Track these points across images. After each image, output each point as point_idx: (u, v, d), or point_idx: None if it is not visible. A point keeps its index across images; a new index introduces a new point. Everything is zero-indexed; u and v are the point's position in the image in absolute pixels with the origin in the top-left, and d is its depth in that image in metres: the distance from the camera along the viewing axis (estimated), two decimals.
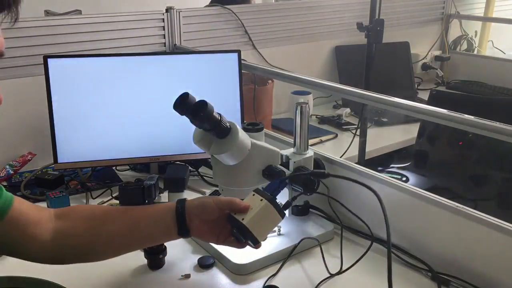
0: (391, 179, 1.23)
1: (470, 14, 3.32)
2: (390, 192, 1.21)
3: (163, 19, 1.98)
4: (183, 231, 0.99)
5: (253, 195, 1.01)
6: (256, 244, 0.99)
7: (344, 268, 1.13)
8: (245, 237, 0.97)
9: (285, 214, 1.01)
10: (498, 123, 1.08)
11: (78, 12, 2.19)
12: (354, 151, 1.99)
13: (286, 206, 1.04)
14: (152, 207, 1.05)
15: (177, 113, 1.04)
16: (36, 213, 0.99)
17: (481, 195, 1.87)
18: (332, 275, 1.11)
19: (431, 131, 2.05)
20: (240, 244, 1.01)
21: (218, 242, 1.02)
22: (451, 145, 2.02)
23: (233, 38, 2.22)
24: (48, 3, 2.37)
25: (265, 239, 1.01)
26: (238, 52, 1.58)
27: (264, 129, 1.22)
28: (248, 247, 1.02)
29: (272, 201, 0.99)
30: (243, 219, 0.97)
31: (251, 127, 1.19)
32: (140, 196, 1.36)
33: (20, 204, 0.96)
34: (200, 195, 1.50)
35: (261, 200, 0.99)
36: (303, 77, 1.57)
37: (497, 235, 1.02)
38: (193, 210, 0.99)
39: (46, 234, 0.97)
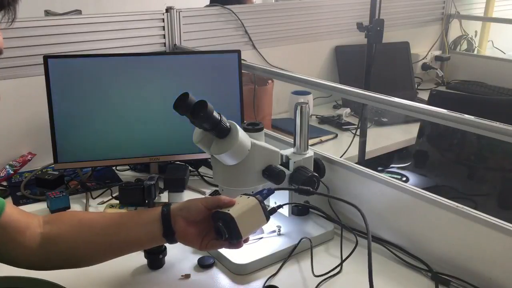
0: (391, 179, 1.23)
1: (470, 14, 3.32)
2: (390, 192, 1.21)
3: (163, 19, 1.97)
4: (168, 233, 0.99)
5: (241, 196, 1.02)
6: (239, 240, 0.98)
7: (333, 269, 1.13)
8: (229, 229, 0.96)
9: (269, 218, 1.02)
10: (498, 123, 1.08)
11: (78, 12, 2.20)
12: (354, 151, 1.99)
13: (272, 211, 1.05)
14: (138, 212, 1.06)
15: (177, 113, 1.04)
16: (25, 219, 0.99)
17: (481, 194, 1.87)
18: (316, 276, 1.11)
19: (431, 131, 2.05)
20: (222, 242, 1.00)
21: (201, 247, 1.02)
22: (451, 145, 2.02)
23: (233, 38, 2.22)
24: (48, 3, 2.37)
25: (247, 239, 1.02)
26: (238, 52, 1.58)
27: (264, 129, 1.22)
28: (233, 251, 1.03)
29: (259, 200, 1.00)
30: (228, 210, 0.98)
31: (251, 127, 1.19)
32: (140, 196, 1.36)
33: (11, 210, 0.97)
34: (200, 195, 1.50)
35: (248, 197, 1.01)
36: (303, 77, 1.57)
37: (497, 235, 1.02)
38: (178, 212, 1.00)
39: (34, 240, 0.98)
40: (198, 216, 1.00)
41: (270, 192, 1.07)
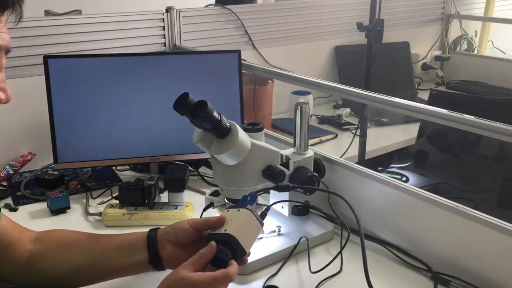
0: (391, 179, 1.23)
1: (470, 14, 3.32)
2: (390, 192, 1.21)
3: (163, 19, 1.97)
4: (154, 258, 0.95)
5: (227, 211, 0.99)
6: (243, 256, 0.93)
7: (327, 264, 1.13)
8: (232, 249, 0.90)
9: (263, 223, 0.98)
10: (498, 123, 1.08)
11: (78, 12, 2.19)
12: (354, 151, 1.99)
13: (263, 215, 1.02)
14: (125, 235, 1.01)
15: (177, 113, 1.04)
16: (18, 233, 0.99)
17: (481, 195, 1.87)
18: (313, 272, 1.11)
19: (431, 131, 2.05)
20: (222, 267, 0.88)
21: None
22: (451, 145, 2.02)
23: (233, 38, 2.22)
24: (48, 3, 2.36)
25: (249, 254, 0.96)
26: (238, 52, 1.58)
27: (264, 129, 1.22)
28: None
29: (250, 210, 0.96)
30: (225, 230, 0.92)
31: (251, 127, 1.19)
32: (140, 196, 1.36)
33: (6, 222, 0.97)
34: (200, 195, 1.50)
35: (239, 210, 0.96)
36: (303, 77, 1.57)
37: (497, 235, 1.02)
38: (165, 235, 0.95)
39: (22, 256, 0.97)
40: (187, 239, 0.95)
41: (254, 197, 1.03)
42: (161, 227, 1.00)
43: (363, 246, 1.03)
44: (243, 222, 0.94)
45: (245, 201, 1.01)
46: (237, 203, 1.02)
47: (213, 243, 0.89)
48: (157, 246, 0.95)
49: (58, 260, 0.97)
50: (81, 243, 1.00)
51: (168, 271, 0.92)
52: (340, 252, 1.16)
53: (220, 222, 0.95)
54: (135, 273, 1.01)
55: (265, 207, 1.09)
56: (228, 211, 0.99)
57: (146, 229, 1.01)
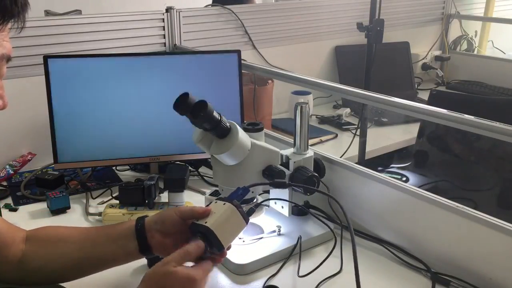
0: (391, 179, 1.23)
1: (470, 14, 3.32)
2: (390, 192, 1.21)
3: (163, 19, 1.98)
4: (143, 248, 0.97)
5: (216, 202, 0.99)
6: (221, 250, 0.93)
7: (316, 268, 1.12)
8: (209, 242, 0.92)
9: (249, 220, 0.98)
10: (498, 123, 1.08)
11: (78, 12, 2.19)
12: (354, 151, 1.99)
13: (249, 212, 1.02)
14: (113, 226, 1.03)
15: (177, 113, 1.04)
16: (11, 234, 0.99)
17: (481, 195, 1.87)
18: (300, 276, 1.10)
19: (431, 131, 2.05)
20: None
21: None
22: (451, 145, 2.02)
23: (233, 38, 2.22)
24: (48, 3, 2.37)
25: (230, 247, 0.98)
26: (238, 52, 1.58)
27: (264, 129, 1.22)
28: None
29: (235, 205, 0.96)
30: (206, 222, 0.93)
31: (251, 127, 1.19)
32: (140, 196, 1.36)
33: (0, 224, 0.97)
34: (200, 195, 1.50)
35: (224, 204, 0.96)
36: (303, 77, 1.57)
37: (497, 235, 1.02)
38: (153, 225, 0.97)
39: (16, 256, 0.98)
40: (174, 228, 0.97)
41: (246, 191, 1.02)
42: (148, 215, 1.00)
43: (354, 248, 1.03)
44: (225, 216, 0.95)
45: (237, 193, 1.01)
46: (228, 196, 1.01)
47: (201, 243, 0.91)
48: (146, 235, 0.97)
49: (50, 257, 0.99)
50: (71, 238, 1.02)
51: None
52: (341, 252, 1.16)
53: (205, 213, 0.96)
54: (126, 262, 1.03)
55: (253, 204, 1.08)
56: (216, 202, 0.99)
57: None
